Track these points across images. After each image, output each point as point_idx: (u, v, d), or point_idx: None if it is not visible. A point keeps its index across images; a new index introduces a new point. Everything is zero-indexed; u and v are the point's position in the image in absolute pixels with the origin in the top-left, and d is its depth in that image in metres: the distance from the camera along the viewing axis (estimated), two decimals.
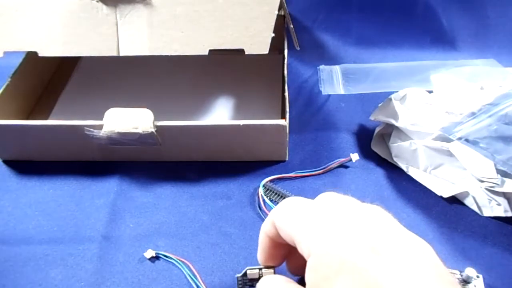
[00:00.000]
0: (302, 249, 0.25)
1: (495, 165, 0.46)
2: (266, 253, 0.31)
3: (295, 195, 0.50)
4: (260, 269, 0.31)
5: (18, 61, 0.60)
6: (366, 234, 0.24)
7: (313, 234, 0.25)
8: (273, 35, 0.49)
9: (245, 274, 0.31)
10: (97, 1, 0.50)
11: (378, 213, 0.26)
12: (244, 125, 0.50)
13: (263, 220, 0.49)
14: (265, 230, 0.30)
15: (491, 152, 0.46)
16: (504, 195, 0.47)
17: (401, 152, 0.53)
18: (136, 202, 0.52)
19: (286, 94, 0.54)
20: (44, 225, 0.50)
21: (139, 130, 0.49)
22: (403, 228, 0.26)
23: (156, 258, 0.46)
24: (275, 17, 0.50)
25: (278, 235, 0.29)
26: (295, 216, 0.27)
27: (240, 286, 0.31)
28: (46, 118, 0.61)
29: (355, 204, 0.28)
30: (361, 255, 0.23)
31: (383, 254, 0.23)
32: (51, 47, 0.51)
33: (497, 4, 0.69)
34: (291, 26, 0.61)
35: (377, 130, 0.57)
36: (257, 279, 0.30)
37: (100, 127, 0.49)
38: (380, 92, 0.59)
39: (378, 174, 0.54)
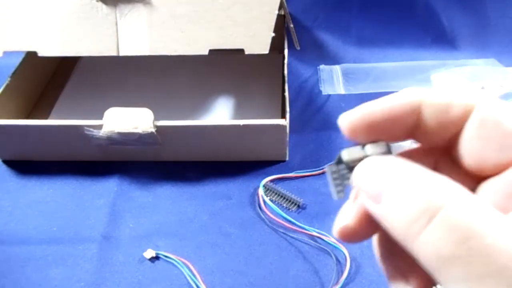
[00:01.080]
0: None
1: None
2: (387, 114, 0.21)
3: (295, 195, 0.50)
4: (364, 145, 0.21)
5: (18, 61, 0.60)
6: None
7: None
8: (273, 35, 0.49)
9: (339, 161, 0.21)
10: (97, 1, 0.50)
11: None
12: (244, 125, 0.50)
13: (263, 220, 0.49)
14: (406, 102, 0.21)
15: None
16: None
17: None
18: (136, 202, 0.52)
19: (286, 94, 0.54)
20: (44, 225, 0.50)
21: (139, 130, 0.49)
22: None
23: (156, 258, 0.46)
24: (275, 17, 0.50)
25: (414, 114, 0.20)
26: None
27: (336, 179, 0.21)
28: (46, 118, 0.61)
29: None
30: None
31: None
32: (51, 47, 0.51)
33: (498, 4, 0.69)
34: (291, 26, 0.61)
35: None
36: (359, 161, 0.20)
37: (100, 127, 0.49)
38: (380, 92, 0.59)
39: None
